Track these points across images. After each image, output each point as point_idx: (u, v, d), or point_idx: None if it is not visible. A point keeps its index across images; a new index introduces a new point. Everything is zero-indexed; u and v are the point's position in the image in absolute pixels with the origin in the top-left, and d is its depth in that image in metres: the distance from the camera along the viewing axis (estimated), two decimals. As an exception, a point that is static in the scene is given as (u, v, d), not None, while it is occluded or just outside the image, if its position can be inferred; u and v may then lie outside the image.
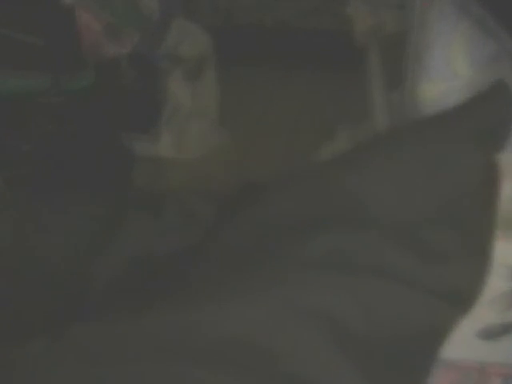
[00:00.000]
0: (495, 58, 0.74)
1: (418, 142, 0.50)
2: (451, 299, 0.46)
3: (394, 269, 0.45)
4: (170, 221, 0.56)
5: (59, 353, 0.48)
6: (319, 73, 2.00)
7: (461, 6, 0.74)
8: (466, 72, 0.74)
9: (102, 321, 0.48)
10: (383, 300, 0.44)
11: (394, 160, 0.49)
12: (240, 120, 1.81)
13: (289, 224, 0.48)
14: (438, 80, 0.75)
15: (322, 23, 2.06)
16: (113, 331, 0.45)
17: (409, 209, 0.47)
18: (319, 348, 0.42)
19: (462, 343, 0.58)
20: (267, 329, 0.42)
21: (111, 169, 1.36)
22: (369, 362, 0.43)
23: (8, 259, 0.56)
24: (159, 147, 1.65)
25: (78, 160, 1.27)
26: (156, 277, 0.51)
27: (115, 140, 1.42)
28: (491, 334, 0.60)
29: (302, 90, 1.98)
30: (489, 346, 0.61)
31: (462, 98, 0.73)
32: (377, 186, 0.48)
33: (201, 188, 1.58)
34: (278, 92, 1.97)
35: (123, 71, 1.53)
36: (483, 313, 0.57)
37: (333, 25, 1.99)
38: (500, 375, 0.63)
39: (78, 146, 1.28)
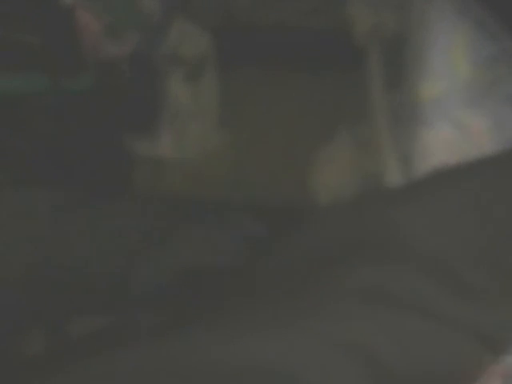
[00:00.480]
0: (495, 58, 0.74)
1: (467, 182, 0.49)
2: (487, 341, 0.46)
3: (433, 306, 0.45)
4: (217, 235, 0.56)
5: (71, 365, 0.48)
6: (319, 73, 2.00)
7: (461, 6, 0.74)
8: (465, 72, 0.74)
9: (130, 338, 0.48)
10: (419, 337, 0.44)
11: (439, 197, 0.49)
12: (240, 120, 1.81)
13: (329, 255, 0.47)
14: (437, 80, 0.75)
15: (321, 23, 2.05)
16: (138, 351, 0.45)
17: (452, 247, 0.47)
18: (352, 381, 0.42)
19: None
20: (300, 359, 0.42)
21: (111, 169, 1.36)
22: None
23: (45, 262, 0.55)
24: (159, 147, 1.64)
25: (77, 160, 1.27)
26: (195, 293, 0.51)
27: (115, 140, 1.42)
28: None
29: (301, 89, 1.98)
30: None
31: (461, 98, 0.73)
32: (420, 220, 0.48)
33: (201, 188, 1.58)
34: (277, 92, 1.96)
35: (123, 71, 1.53)
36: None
37: (333, 25, 1.99)
38: (500, 375, 0.63)
39: (77, 146, 1.28)
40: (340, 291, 0.44)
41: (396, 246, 0.46)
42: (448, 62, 0.73)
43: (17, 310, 0.60)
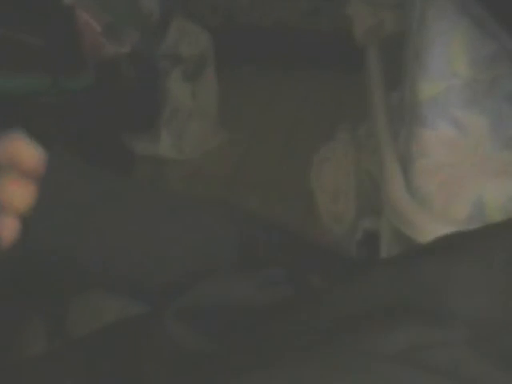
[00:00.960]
0: (494, 57, 0.74)
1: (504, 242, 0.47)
2: None
3: (469, 373, 0.43)
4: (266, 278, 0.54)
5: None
6: (319, 73, 2.00)
7: (460, 5, 0.74)
8: (465, 72, 0.74)
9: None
10: None
11: (484, 255, 0.47)
12: (240, 120, 1.81)
13: (365, 313, 0.46)
14: (437, 79, 0.75)
15: (321, 23, 2.06)
16: None
17: (495, 310, 0.45)
18: None
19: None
20: None
21: (111, 169, 1.36)
22: None
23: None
24: (159, 147, 1.65)
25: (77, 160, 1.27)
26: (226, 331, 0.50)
27: (115, 140, 1.42)
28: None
29: (301, 90, 1.98)
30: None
31: (460, 97, 0.73)
32: (462, 280, 0.45)
33: (200, 188, 1.59)
34: (277, 92, 1.97)
35: (123, 71, 1.53)
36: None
37: (333, 25, 1.99)
38: None
39: (77, 146, 1.28)
40: (377, 354, 0.43)
41: (436, 306, 0.44)
42: (447, 62, 0.73)
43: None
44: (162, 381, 0.47)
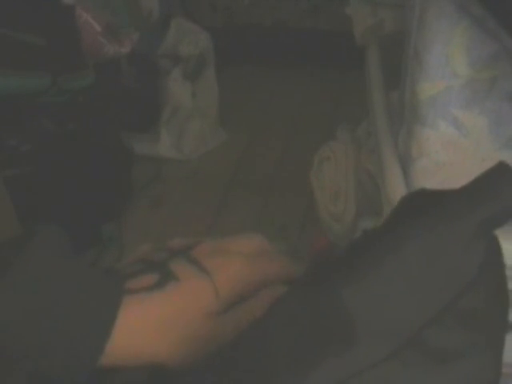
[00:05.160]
0: (494, 57, 0.74)
1: (414, 244, 0.46)
2: None
3: (401, 380, 0.43)
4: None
5: None
6: (319, 73, 2.00)
7: (460, 5, 0.74)
8: (465, 72, 0.74)
9: None
10: None
11: (390, 265, 0.46)
12: (240, 120, 1.81)
13: (285, 350, 0.45)
14: (437, 79, 0.75)
15: (321, 23, 2.06)
16: None
17: (410, 315, 0.44)
18: None
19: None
20: None
21: (111, 168, 1.36)
22: None
23: None
24: (159, 147, 1.65)
25: (77, 160, 1.27)
26: None
27: (115, 140, 1.42)
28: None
29: (301, 89, 1.98)
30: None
31: (460, 97, 0.73)
32: (373, 297, 0.44)
33: (200, 188, 1.59)
34: (277, 92, 1.97)
35: (123, 71, 1.53)
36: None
37: (332, 25, 1.99)
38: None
39: (77, 145, 1.28)
40: None
41: (353, 329, 0.43)
42: (447, 62, 0.73)
43: None
44: None
